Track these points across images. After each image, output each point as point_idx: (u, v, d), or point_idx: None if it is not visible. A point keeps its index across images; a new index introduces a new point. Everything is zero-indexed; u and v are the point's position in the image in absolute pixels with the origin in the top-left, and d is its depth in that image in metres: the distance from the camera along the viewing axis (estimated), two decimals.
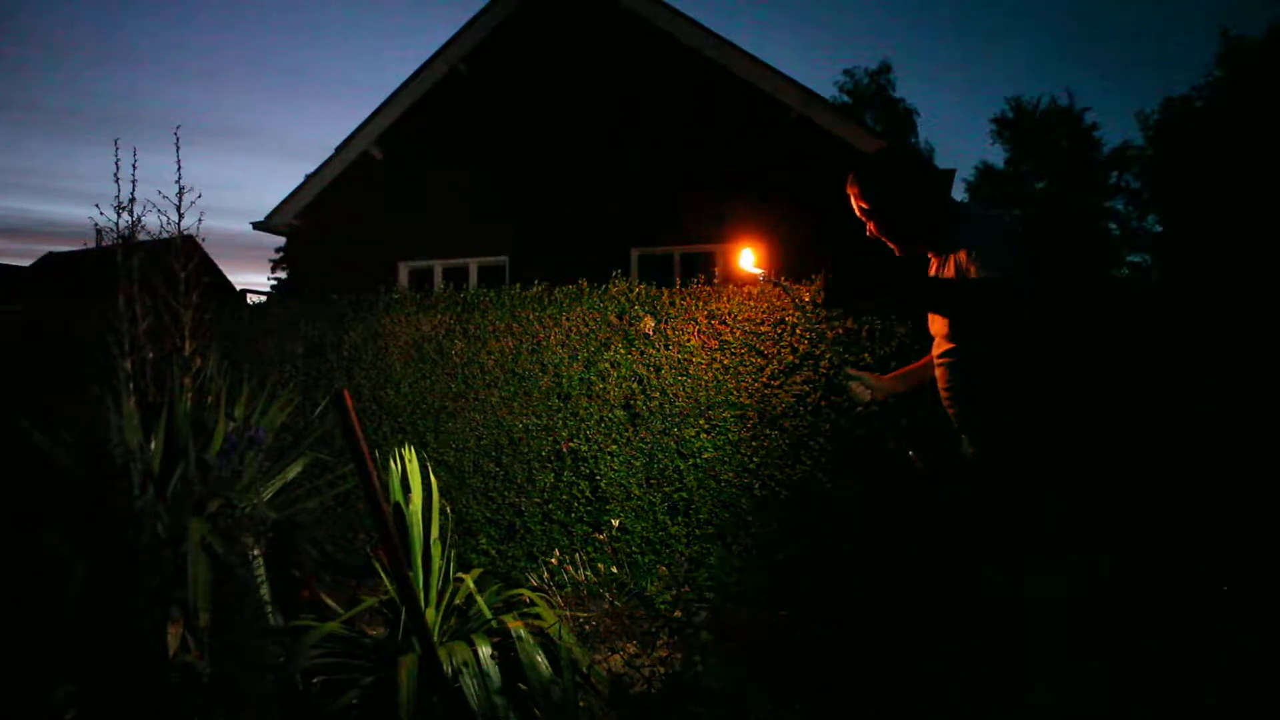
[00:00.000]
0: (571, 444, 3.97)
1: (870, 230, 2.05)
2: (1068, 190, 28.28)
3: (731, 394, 3.73)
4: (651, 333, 3.89)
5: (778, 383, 3.67)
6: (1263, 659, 2.26)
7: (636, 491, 3.84)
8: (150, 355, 2.69)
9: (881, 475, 3.42)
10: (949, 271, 1.92)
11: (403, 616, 2.26)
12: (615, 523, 3.76)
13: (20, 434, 2.32)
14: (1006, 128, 30.51)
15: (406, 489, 2.45)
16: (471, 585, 2.53)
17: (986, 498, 1.89)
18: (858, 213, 2.06)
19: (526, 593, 2.62)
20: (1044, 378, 1.92)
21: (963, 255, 1.86)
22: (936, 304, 1.87)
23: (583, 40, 8.12)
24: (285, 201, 9.31)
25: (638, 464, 3.85)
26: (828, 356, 3.59)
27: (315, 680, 2.18)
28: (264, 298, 7.82)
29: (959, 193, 31.10)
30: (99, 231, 2.93)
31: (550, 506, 4.00)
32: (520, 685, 2.18)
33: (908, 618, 3.00)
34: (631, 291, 3.99)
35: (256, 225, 9.61)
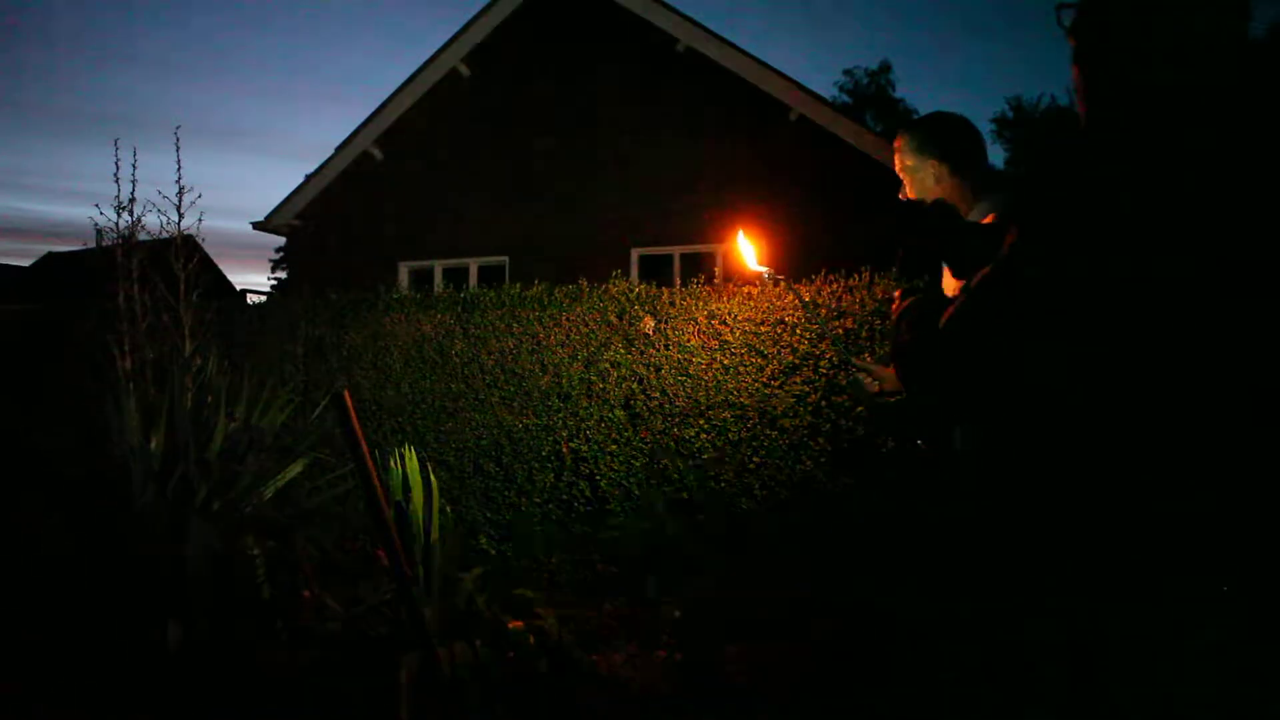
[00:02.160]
0: (571, 444, 3.98)
1: (904, 193, 2.02)
2: None
3: (731, 394, 3.73)
4: (651, 333, 3.89)
5: (778, 383, 3.67)
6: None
7: (636, 491, 3.84)
8: (150, 355, 2.69)
9: (881, 474, 3.42)
10: None
11: (403, 616, 2.26)
12: (615, 522, 3.76)
13: (20, 434, 2.32)
14: (1006, 128, 30.45)
15: (407, 489, 2.45)
16: (471, 585, 2.54)
17: (984, 493, 1.87)
18: (898, 169, 2.03)
19: (526, 592, 2.62)
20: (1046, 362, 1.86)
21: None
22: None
23: (583, 40, 8.12)
24: (285, 201, 9.31)
25: (638, 464, 3.85)
26: (828, 356, 3.59)
27: (315, 680, 2.19)
28: (264, 298, 7.82)
29: None
30: (99, 231, 2.94)
31: (550, 506, 4.00)
32: (520, 684, 2.18)
33: (908, 618, 3.00)
34: (631, 291, 3.99)
35: (256, 225, 9.61)
